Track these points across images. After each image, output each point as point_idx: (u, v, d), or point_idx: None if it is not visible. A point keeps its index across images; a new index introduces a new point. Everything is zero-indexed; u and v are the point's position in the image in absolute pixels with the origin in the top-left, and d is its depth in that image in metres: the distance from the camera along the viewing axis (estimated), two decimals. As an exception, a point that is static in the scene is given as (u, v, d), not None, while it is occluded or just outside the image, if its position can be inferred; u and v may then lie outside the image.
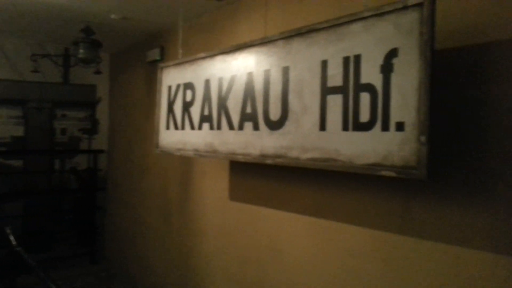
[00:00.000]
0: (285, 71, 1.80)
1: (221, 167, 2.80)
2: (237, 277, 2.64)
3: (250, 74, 1.98)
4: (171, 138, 2.54)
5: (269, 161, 1.84)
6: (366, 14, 1.48)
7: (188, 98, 2.40)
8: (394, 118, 1.39)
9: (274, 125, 1.84)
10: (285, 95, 1.80)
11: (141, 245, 3.94)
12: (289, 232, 2.26)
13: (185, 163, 3.27)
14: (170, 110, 2.55)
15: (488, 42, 1.46)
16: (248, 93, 1.98)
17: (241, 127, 2.01)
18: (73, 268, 4.38)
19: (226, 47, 2.17)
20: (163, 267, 3.55)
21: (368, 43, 1.48)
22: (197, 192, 3.10)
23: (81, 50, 3.51)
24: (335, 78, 1.60)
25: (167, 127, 2.57)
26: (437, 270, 1.58)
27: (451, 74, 1.56)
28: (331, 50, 1.62)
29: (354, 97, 1.52)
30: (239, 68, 2.05)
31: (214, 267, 2.87)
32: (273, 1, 2.42)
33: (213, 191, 2.91)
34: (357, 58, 1.52)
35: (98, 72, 3.95)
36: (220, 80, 2.17)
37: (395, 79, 1.39)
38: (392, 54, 1.40)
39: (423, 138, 1.30)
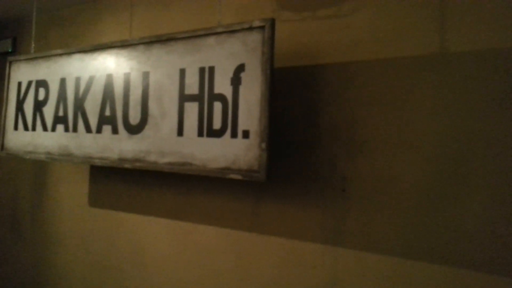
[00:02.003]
0: (146, 76, 1.85)
1: (80, 171, 2.68)
2: (96, 285, 2.56)
3: (109, 76, 1.97)
4: (20, 139, 2.34)
5: (127, 165, 1.86)
6: (219, 30, 1.62)
7: (41, 96, 2.26)
8: (241, 126, 1.55)
9: (134, 129, 1.87)
10: (145, 100, 1.84)
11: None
12: (150, 235, 2.29)
13: (39, 168, 3.03)
14: (20, 108, 2.35)
15: (320, 64, 1.73)
16: (108, 96, 1.97)
17: (99, 130, 1.98)
18: None
19: (85, 46, 2.11)
20: (11, 282, 3.20)
21: (221, 57, 1.62)
22: (53, 199, 2.90)
23: None
24: (192, 86, 1.71)
25: (15, 128, 2.36)
26: (280, 261, 1.81)
27: (292, 88, 1.80)
28: (189, 59, 1.72)
29: (208, 105, 1.65)
30: (99, 69, 2.02)
31: (72, 277, 2.72)
32: (139, 4, 2.43)
33: (71, 197, 2.76)
34: (211, 69, 1.65)
35: None
36: (78, 80, 2.10)
37: (242, 91, 1.56)
38: (240, 68, 1.56)
39: (263, 145, 1.48)
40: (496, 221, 1.38)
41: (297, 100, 1.77)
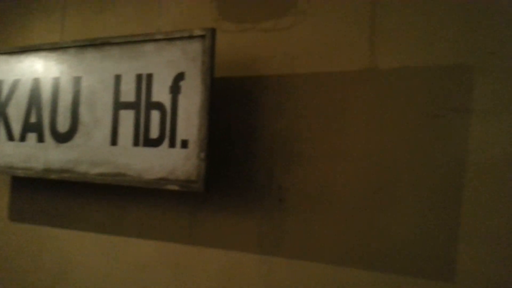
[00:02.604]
0: (77, 81, 1.75)
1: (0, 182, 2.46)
2: (15, 309, 2.34)
3: (36, 80, 1.84)
4: None
5: (54, 176, 1.74)
6: (158, 36, 1.59)
7: (-45, 100, 2.05)
8: (180, 136, 1.53)
9: (62, 137, 1.76)
10: (75, 106, 1.74)
11: None
12: (80, 252, 2.15)
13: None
14: None
15: (260, 76, 1.76)
16: (34, 101, 1.83)
17: (23, 138, 1.84)
18: None
19: (11, 47, 1.96)
20: None
21: (159, 64, 1.59)
22: (-34, 213, 2.62)
23: None
24: (128, 93, 1.65)
25: None
26: (217, 273, 1.78)
27: (232, 99, 1.81)
28: (125, 66, 1.67)
29: (145, 113, 1.60)
30: (25, 73, 1.88)
31: (-15, 302, 2.46)
32: (72, 5, 2.31)
33: (-12, 211, 2.51)
34: (149, 77, 1.60)
35: None
36: (0, 84, 1.94)
37: (181, 100, 1.53)
38: (180, 77, 1.54)
39: (202, 155, 1.47)
40: (422, 227, 1.48)
41: (236, 110, 1.78)
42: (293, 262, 1.66)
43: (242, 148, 1.76)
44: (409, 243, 1.49)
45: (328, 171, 1.62)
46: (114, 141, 1.65)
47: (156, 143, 1.57)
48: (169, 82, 1.56)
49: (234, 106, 1.78)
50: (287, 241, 1.68)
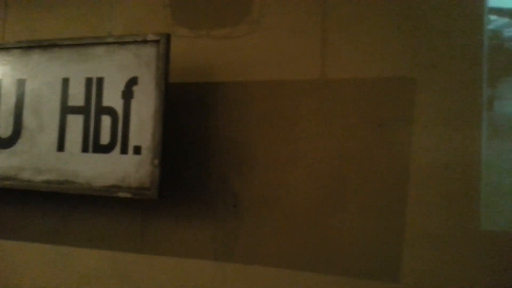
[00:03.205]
0: (21, 83, 1.67)
1: None
2: None
3: (-26, 82, 1.73)
4: None
5: (-7, 184, 1.63)
6: (109, 40, 1.55)
7: None
8: (132, 142, 1.50)
9: (4, 143, 1.66)
10: (19, 110, 1.66)
11: None
12: (23, 262, 2.02)
13: None
14: None
15: (215, 82, 1.78)
16: (-29, 104, 1.72)
17: (-43, 143, 1.71)
18: None
19: None
20: None
21: (111, 68, 1.55)
22: None
23: None
24: (77, 97, 1.59)
25: None
26: (169, 282, 1.76)
27: (186, 104, 1.80)
28: (74, 68, 1.61)
29: (95, 119, 1.56)
30: (-40, 73, 1.76)
31: None
32: (15, 4, 2.19)
33: None
34: (100, 80, 1.56)
35: None
36: None
37: (134, 105, 1.51)
38: (133, 81, 1.52)
39: (156, 161, 1.45)
40: (369, 230, 1.55)
41: (191, 116, 1.78)
42: (247, 268, 1.68)
43: (197, 154, 1.76)
44: (357, 246, 1.56)
45: (281, 177, 1.66)
46: (61, 147, 1.59)
47: (106, 149, 1.53)
48: (121, 86, 1.53)
49: (189, 112, 1.78)
50: (241, 246, 1.69)
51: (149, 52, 1.50)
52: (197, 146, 1.77)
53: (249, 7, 1.75)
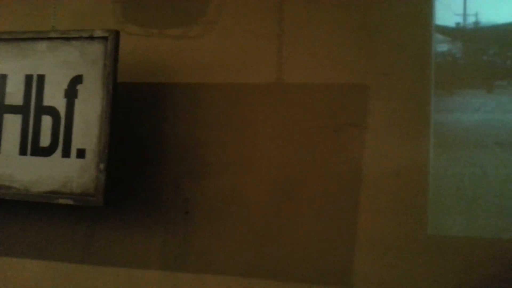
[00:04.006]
0: (-49, 79, 1.53)
1: None
2: None
3: None
4: None
5: None
6: (53, 35, 1.46)
7: None
8: (75, 144, 1.41)
9: None
10: None
11: None
12: None
13: None
14: None
15: (168, 83, 1.72)
16: None
17: None
18: None
19: None
20: None
21: (53, 65, 1.46)
22: None
23: None
24: (15, 96, 1.48)
25: None
26: (116, 294, 1.68)
27: (137, 106, 1.73)
28: (12, 65, 1.50)
29: (35, 119, 1.45)
30: None
31: None
32: None
33: None
34: (41, 78, 1.46)
35: None
36: None
37: (79, 105, 1.42)
38: (77, 80, 1.43)
39: (102, 166, 1.37)
40: (324, 235, 1.56)
41: (142, 118, 1.71)
42: (199, 277, 1.63)
43: (148, 158, 1.70)
44: (311, 252, 1.56)
45: (236, 181, 1.64)
46: (-5, 149, 1.47)
47: (46, 152, 1.43)
48: (64, 85, 1.44)
49: (140, 114, 1.71)
50: (193, 255, 1.64)
51: (96, 49, 1.42)
52: (148, 149, 1.70)
53: (205, 7, 1.72)
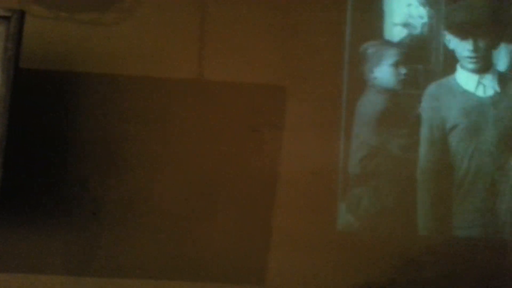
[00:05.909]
0: None
1: None
2: None
3: None
4: None
5: None
6: None
7: None
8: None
9: None
10: None
11: None
12: None
13: None
14: None
15: (76, 72, 1.62)
16: None
17: None
18: None
19: None
20: None
21: None
22: None
23: None
24: None
25: None
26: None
27: (40, 95, 1.60)
28: None
29: None
30: None
31: None
32: None
33: None
34: None
35: None
36: None
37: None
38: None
39: (-2, 162, 1.26)
40: (238, 235, 1.61)
41: (46, 110, 1.59)
42: (106, 281, 1.57)
43: (52, 155, 1.58)
44: (226, 251, 1.60)
45: (150, 180, 1.61)
46: None
47: None
48: None
49: (45, 105, 1.59)
50: (100, 258, 1.58)
51: (-5, 30, 1.29)
52: (53, 144, 1.59)
53: (121, -7, 1.66)
